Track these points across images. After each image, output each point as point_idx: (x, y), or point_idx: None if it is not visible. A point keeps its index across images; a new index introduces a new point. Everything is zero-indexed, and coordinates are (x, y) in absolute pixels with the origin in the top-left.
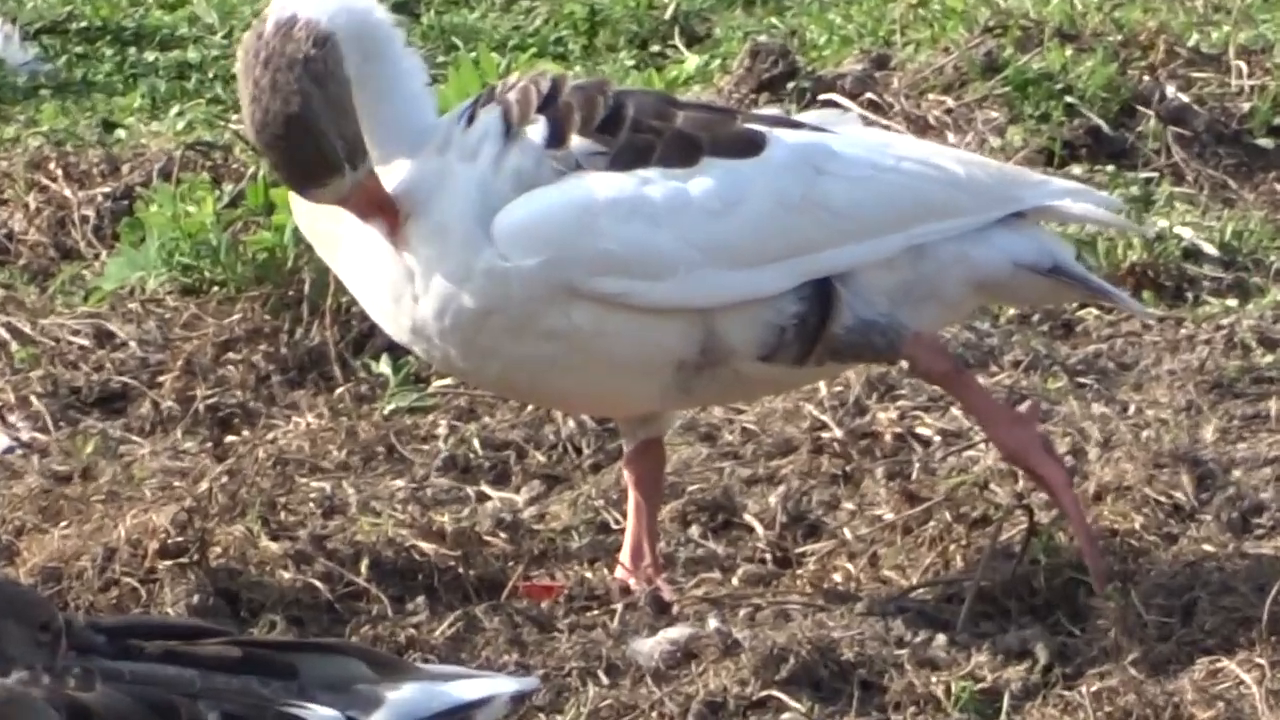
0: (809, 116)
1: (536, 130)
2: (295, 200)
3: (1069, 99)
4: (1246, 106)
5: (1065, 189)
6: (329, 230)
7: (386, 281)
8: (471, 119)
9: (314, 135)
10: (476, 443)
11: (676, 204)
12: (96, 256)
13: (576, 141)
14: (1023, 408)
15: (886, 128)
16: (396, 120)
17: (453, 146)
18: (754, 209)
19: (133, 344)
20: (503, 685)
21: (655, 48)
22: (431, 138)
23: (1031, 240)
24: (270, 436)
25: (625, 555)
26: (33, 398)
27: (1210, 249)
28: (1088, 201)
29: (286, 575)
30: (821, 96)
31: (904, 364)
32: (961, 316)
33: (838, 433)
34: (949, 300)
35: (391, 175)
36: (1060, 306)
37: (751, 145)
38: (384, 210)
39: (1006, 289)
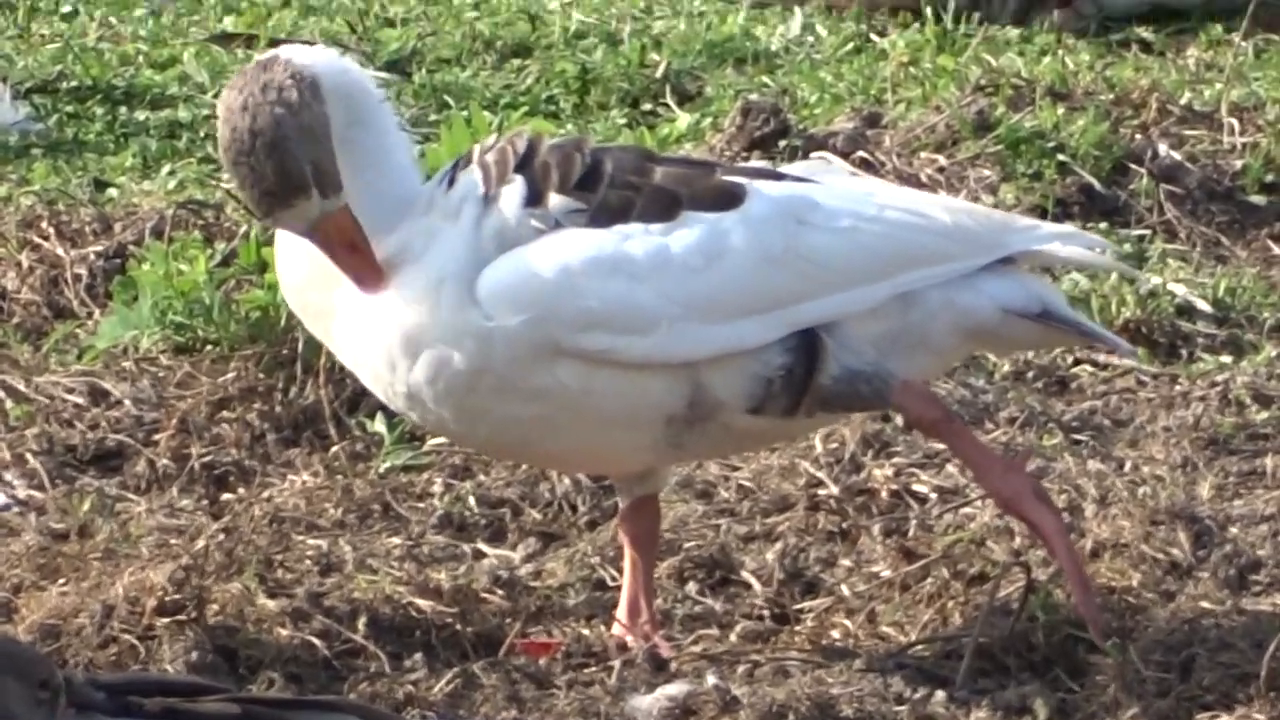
0: (795, 167)
1: (515, 190)
2: (284, 275)
3: (1061, 157)
4: (1239, 164)
5: (1054, 233)
6: (320, 302)
7: (380, 349)
8: (452, 182)
9: (280, 152)
10: (472, 500)
11: (657, 259)
12: (89, 315)
13: (555, 199)
14: (1015, 455)
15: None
16: (381, 189)
17: (435, 210)
18: (735, 262)
19: (127, 402)
20: None
21: (647, 106)
22: (416, 206)
23: (1020, 285)
24: (266, 495)
25: (622, 612)
26: (28, 455)
27: (1204, 306)
28: (1077, 244)
29: (284, 632)
30: (813, 155)
31: (899, 417)
32: (951, 364)
33: (834, 490)
34: (938, 348)
35: (375, 243)
36: (1054, 362)
37: (731, 198)
38: (355, 250)
39: (996, 335)
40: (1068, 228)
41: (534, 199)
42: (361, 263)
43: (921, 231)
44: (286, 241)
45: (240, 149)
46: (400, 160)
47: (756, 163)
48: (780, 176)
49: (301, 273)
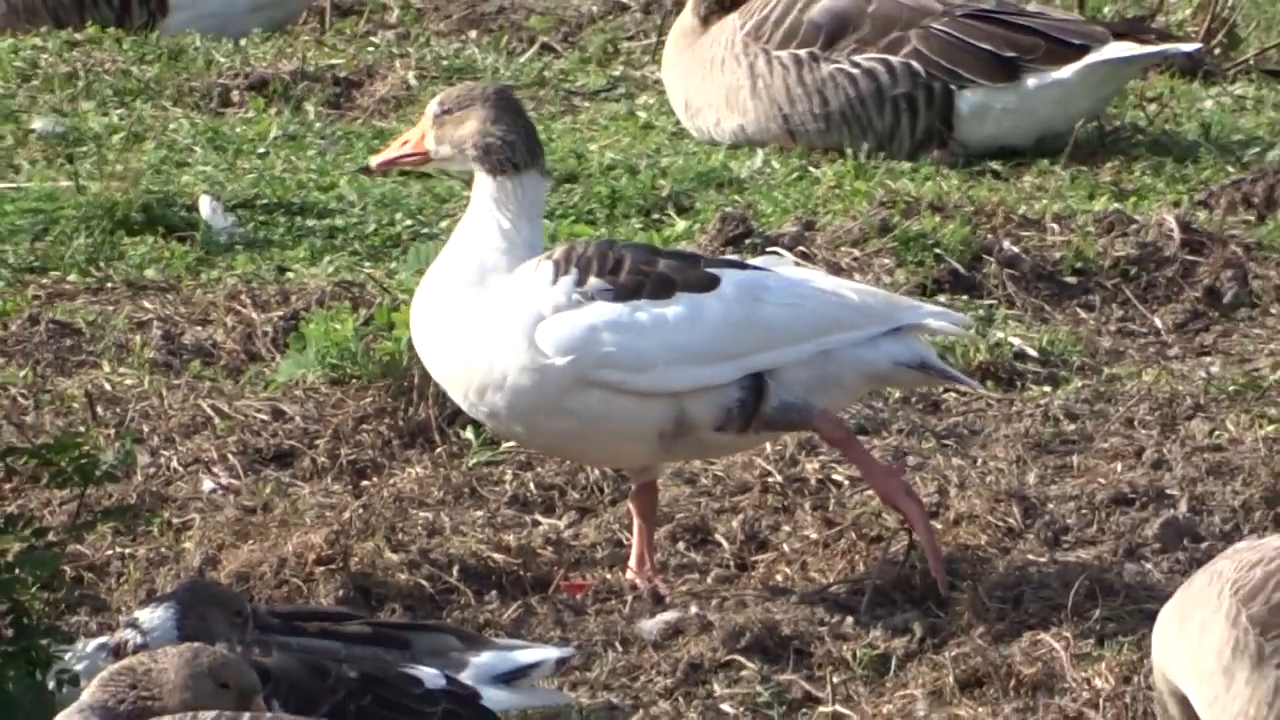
0: (757, 259)
1: (570, 277)
2: (417, 327)
3: (937, 250)
4: (1058, 255)
5: (931, 311)
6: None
7: (472, 385)
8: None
9: (491, 105)
10: (533, 485)
11: (656, 322)
12: (273, 359)
13: (593, 282)
14: (893, 464)
15: (811, 267)
16: (511, 237)
17: (518, 284)
18: (710, 325)
19: (298, 419)
20: (551, 653)
21: (655, 215)
22: (529, 259)
23: (907, 346)
24: (392, 482)
25: (632, 562)
26: (229, 455)
27: (1032, 352)
28: (946, 320)
29: (403, 577)
30: (769, 249)
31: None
32: (856, 400)
33: (779, 478)
34: (848, 388)
35: (487, 257)
36: (928, 391)
37: (711, 282)
38: (402, 154)
39: (889, 379)
40: (941, 308)
41: (581, 281)
42: (393, 157)
43: (840, 308)
44: (421, 311)
45: (494, 89)
46: (535, 224)
47: (730, 256)
48: (745, 266)
49: (429, 328)
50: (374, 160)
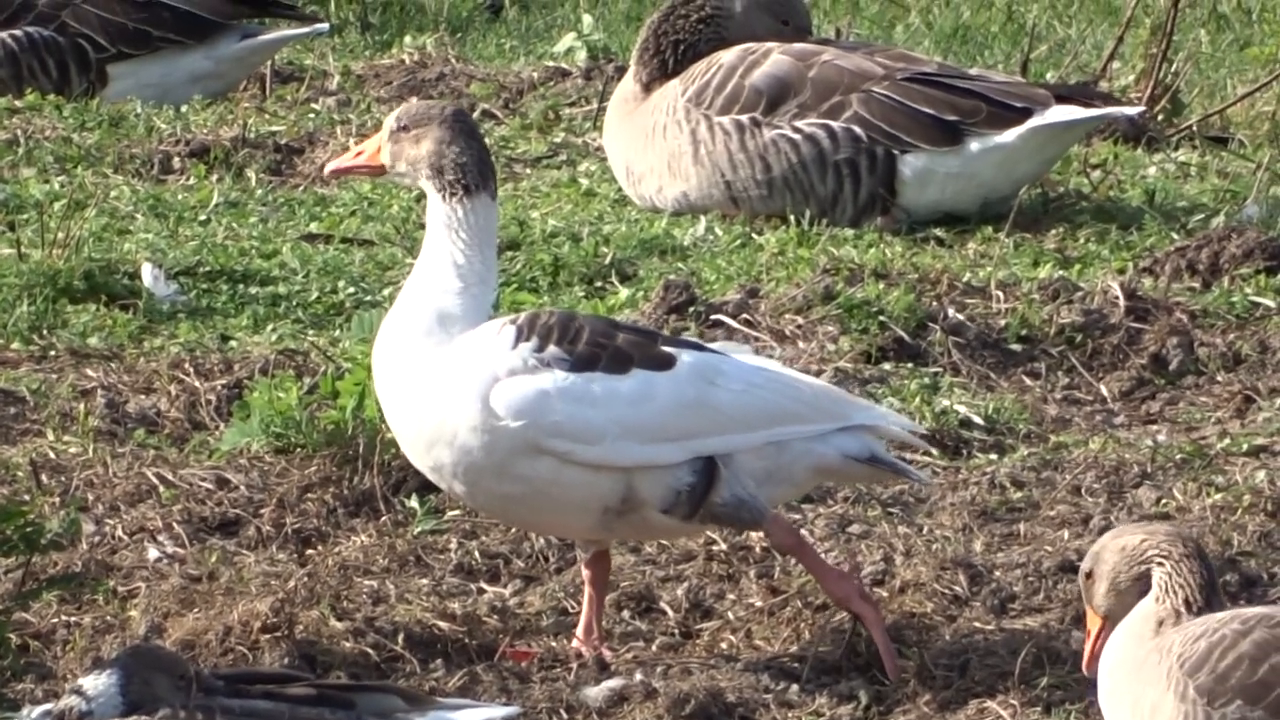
0: (718, 345)
1: (530, 344)
2: (376, 371)
3: (881, 318)
4: (1003, 322)
5: (881, 413)
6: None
7: (421, 437)
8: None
9: (449, 126)
10: (477, 554)
11: (609, 395)
12: (217, 427)
13: (551, 349)
14: (845, 567)
15: (764, 347)
16: (468, 289)
17: (477, 346)
18: (661, 403)
19: (242, 487)
20: (496, 712)
21: (599, 283)
22: (477, 320)
23: (857, 440)
24: (337, 550)
25: (580, 630)
26: (174, 524)
27: (978, 420)
28: (894, 423)
29: (348, 645)
30: (712, 316)
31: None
32: (804, 493)
33: (724, 546)
34: (797, 481)
35: (442, 307)
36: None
37: (666, 361)
38: (357, 164)
39: (838, 473)
40: (891, 412)
41: (540, 348)
42: (348, 166)
43: (793, 400)
44: (379, 356)
45: (452, 110)
46: (491, 275)
47: (675, 324)
48: (702, 349)
49: (385, 373)
50: (329, 166)
